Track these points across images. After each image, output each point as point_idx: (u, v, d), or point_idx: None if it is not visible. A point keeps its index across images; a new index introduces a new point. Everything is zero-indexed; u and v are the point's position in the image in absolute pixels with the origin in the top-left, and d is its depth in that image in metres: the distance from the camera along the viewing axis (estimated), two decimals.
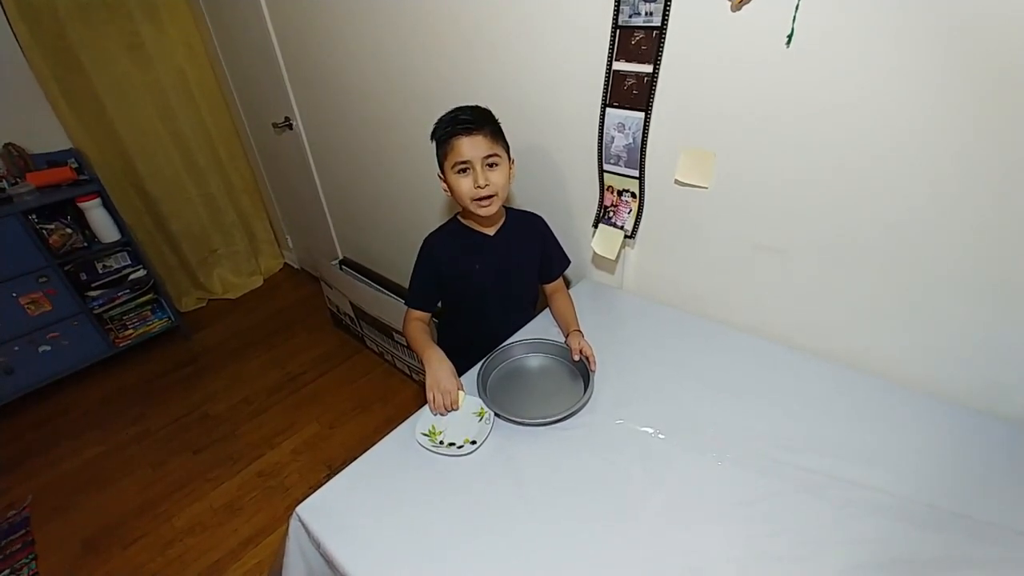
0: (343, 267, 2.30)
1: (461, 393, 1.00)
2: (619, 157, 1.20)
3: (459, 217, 1.16)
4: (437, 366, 0.99)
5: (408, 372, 2.16)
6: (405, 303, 1.16)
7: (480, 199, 1.03)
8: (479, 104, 1.08)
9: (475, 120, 0.99)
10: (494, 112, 1.08)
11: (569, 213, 1.39)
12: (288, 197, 2.73)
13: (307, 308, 2.69)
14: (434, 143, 1.04)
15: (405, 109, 1.65)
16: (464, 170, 1.00)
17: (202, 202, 2.68)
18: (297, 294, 2.84)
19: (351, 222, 2.31)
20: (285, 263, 3.15)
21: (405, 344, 1.92)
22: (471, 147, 0.99)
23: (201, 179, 2.63)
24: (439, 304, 1.19)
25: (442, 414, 0.98)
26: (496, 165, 1.02)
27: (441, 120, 1.01)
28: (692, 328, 1.20)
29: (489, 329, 1.19)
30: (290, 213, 2.83)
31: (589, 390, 1.02)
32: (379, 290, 2.03)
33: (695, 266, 1.23)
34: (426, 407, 1.03)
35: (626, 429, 0.97)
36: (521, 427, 0.99)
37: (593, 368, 1.06)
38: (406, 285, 2.18)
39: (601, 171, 1.25)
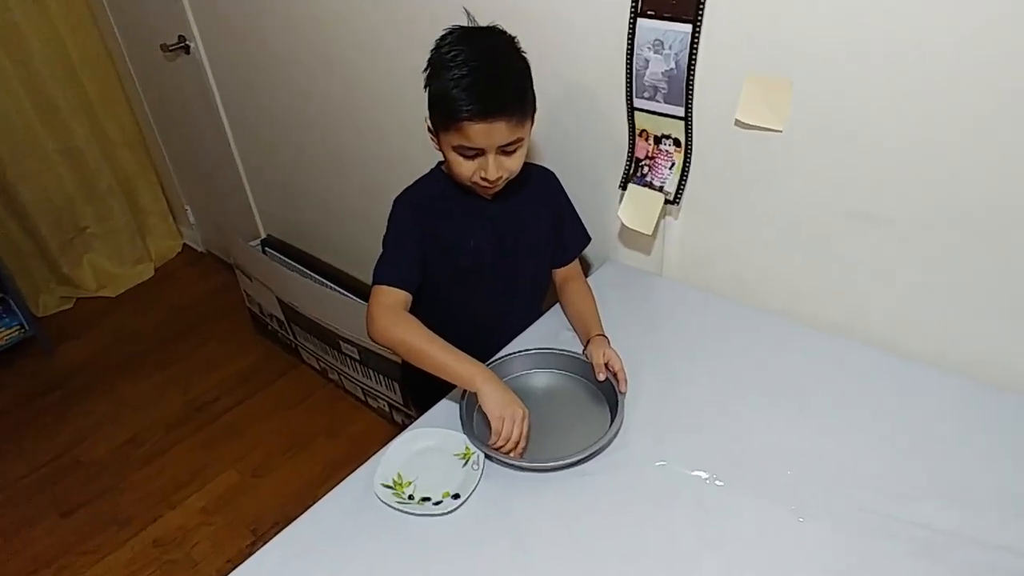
0: (267, 250, 2.33)
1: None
2: (656, 89, 1.20)
3: (443, 169, 1.17)
4: (494, 387, 1.01)
5: (362, 396, 2.18)
6: (374, 279, 1.13)
7: (483, 184, 1.08)
8: (492, 28, 1.06)
9: (500, 103, 0.99)
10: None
11: (585, 170, 1.39)
12: (187, 152, 2.71)
13: (217, 308, 2.72)
14: (426, 92, 1.06)
15: (353, 32, 1.64)
16: (471, 156, 1.05)
17: (64, 160, 2.66)
18: (203, 288, 2.87)
19: (278, 187, 2.33)
20: (185, 244, 3.17)
21: (357, 357, 1.99)
22: (486, 135, 1.02)
23: (62, 127, 2.61)
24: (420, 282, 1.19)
25: (508, 457, 0.99)
26: (515, 151, 1.07)
27: (447, 77, 1.00)
28: (759, 328, 1.21)
29: (479, 332, 1.20)
30: (190, 175, 2.81)
31: (617, 419, 1.03)
32: (320, 282, 2.05)
33: (762, 241, 1.24)
34: (390, 446, 1.04)
35: (670, 473, 0.98)
36: (523, 473, 1.00)
37: (623, 389, 1.08)
38: (356, 273, 2.14)
39: (631, 109, 1.26)
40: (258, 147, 2.29)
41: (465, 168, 1.07)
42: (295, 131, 2.07)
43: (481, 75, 0.99)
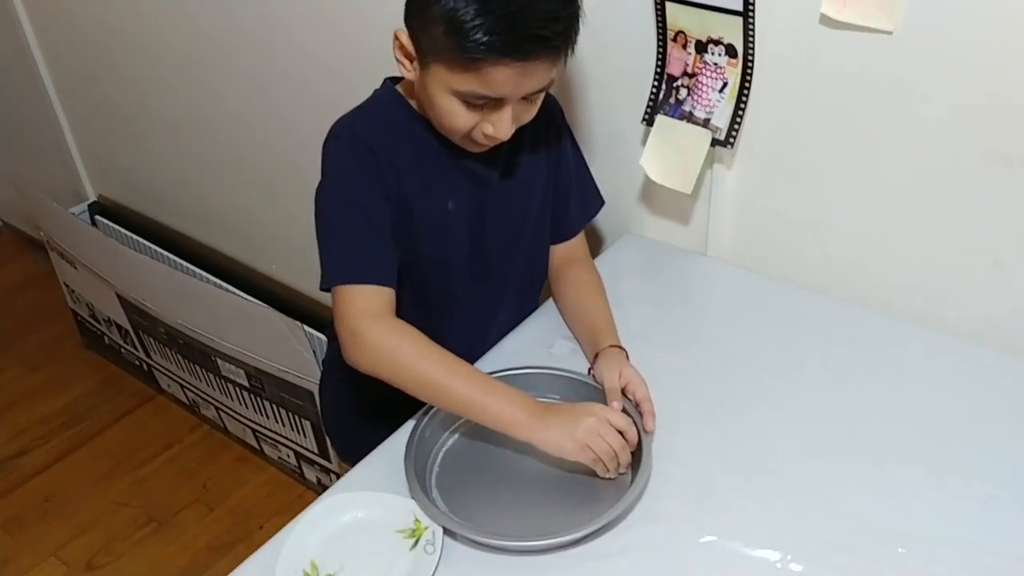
0: (99, 219, 2.21)
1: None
2: None
3: (401, 94, 1.14)
4: (544, 428, 0.99)
5: (255, 442, 2.12)
6: (330, 277, 1.06)
7: (485, 142, 1.07)
8: None
9: (545, 36, 0.95)
10: None
11: (588, 96, 1.39)
12: None
13: (22, 311, 2.65)
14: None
15: None
16: (479, 106, 1.02)
17: None
18: None
19: (116, 120, 2.23)
20: None
21: (246, 382, 1.96)
22: (516, 82, 0.98)
23: None
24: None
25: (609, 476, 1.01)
26: (540, 95, 1.07)
27: None
28: (859, 335, 1.21)
29: (450, 337, 1.13)
30: None
31: (642, 474, 0.99)
32: (184, 268, 1.98)
33: (864, 201, 1.22)
34: (300, 520, 0.99)
35: (723, 554, 0.94)
36: (503, 557, 0.97)
37: (649, 427, 1.05)
38: (240, 254, 1.98)
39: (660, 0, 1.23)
40: (82, 53, 2.19)
41: (464, 120, 1.02)
42: (147, 29, 1.97)
43: None
